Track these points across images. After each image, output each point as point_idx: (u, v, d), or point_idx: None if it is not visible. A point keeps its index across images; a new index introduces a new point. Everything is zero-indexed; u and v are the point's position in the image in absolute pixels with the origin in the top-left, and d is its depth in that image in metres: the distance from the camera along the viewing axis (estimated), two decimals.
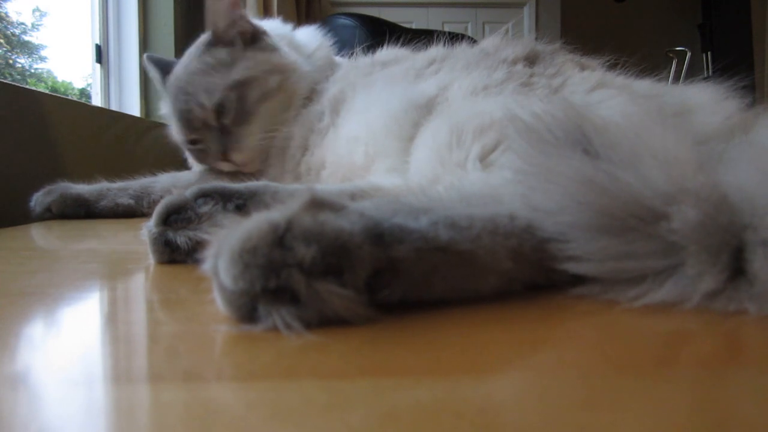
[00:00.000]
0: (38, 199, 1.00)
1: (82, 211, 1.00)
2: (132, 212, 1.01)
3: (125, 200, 1.02)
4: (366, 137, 0.73)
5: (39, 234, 0.83)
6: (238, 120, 0.92)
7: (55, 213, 0.99)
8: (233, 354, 0.29)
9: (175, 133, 1.02)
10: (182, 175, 1.07)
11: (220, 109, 0.93)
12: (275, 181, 0.65)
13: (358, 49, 1.03)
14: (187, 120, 0.96)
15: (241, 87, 0.92)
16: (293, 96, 0.96)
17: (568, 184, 0.37)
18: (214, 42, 0.97)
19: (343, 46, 1.18)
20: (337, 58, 1.12)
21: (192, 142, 0.99)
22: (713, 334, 0.31)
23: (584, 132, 0.39)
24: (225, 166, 0.98)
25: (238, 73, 0.92)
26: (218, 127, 0.94)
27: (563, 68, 0.72)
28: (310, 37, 1.09)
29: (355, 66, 0.97)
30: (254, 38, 0.97)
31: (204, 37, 0.99)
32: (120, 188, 1.04)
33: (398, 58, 0.93)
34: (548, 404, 0.23)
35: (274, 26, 1.08)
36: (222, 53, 0.95)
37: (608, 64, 0.75)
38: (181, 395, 0.23)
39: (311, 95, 0.98)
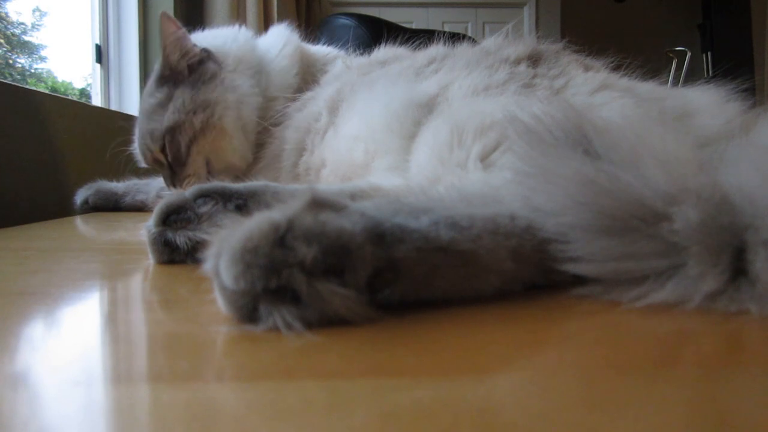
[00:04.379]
0: (80, 193, 1.14)
1: (111, 204, 1.14)
2: (144, 208, 1.12)
3: (141, 197, 1.14)
4: (366, 135, 0.73)
5: (38, 234, 0.83)
6: (177, 162, 0.97)
7: (91, 205, 1.13)
8: (234, 354, 0.29)
9: (138, 157, 1.06)
10: None
11: (164, 151, 0.97)
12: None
13: (357, 48, 1.03)
14: (143, 155, 1.02)
15: (172, 132, 0.95)
16: (224, 130, 0.95)
17: (568, 184, 0.37)
18: (163, 74, 0.98)
19: (343, 46, 1.18)
20: (323, 49, 1.12)
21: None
22: (714, 335, 0.31)
23: (584, 133, 0.39)
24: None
25: (168, 118, 0.95)
26: (168, 164, 0.99)
27: (567, 69, 0.71)
28: (274, 38, 1.08)
29: (352, 66, 0.97)
30: (199, 63, 0.97)
31: (156, 68, 1.00)
32: (143, 185, 1.15)
33: (397, 57, 0.93)
34: (548, 404, 0.23)
35: (233, 36, 1.06)
36: (162, 92, 0.97)
37: (612, 65, 0.74)
38: (181, 395, 0.23)
39: (272, 109, 0.99)
